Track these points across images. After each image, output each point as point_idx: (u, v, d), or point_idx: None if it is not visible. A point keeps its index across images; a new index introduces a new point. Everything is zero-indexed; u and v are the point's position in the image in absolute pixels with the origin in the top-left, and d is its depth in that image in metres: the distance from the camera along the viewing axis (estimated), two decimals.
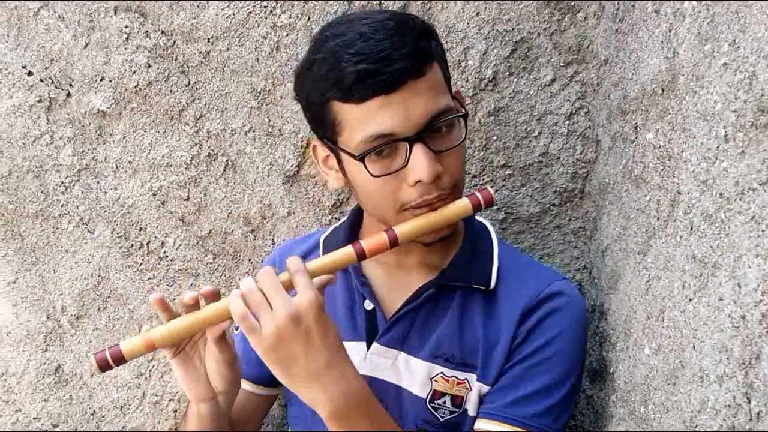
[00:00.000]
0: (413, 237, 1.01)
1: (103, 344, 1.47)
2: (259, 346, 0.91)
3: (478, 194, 1.02)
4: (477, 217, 1.19)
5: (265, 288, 0.91)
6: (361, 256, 1.00)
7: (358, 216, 1.20)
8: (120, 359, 0.96)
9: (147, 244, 1.43)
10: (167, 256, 1.44)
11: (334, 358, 0.93)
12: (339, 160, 1.06)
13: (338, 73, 0.94)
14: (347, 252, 1.00)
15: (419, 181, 0.97)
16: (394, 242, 1.00)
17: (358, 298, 1.16)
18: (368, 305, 1.14)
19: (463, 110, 1.03)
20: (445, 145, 0.99)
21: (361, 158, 0.97)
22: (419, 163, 0.96)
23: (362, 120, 0.96)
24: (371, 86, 0.93)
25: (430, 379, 1.10)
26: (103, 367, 0.95)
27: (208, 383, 1.05)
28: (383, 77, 0.92)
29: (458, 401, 1.09)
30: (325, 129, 1.03)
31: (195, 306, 0.98)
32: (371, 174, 0.98)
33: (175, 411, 1.49)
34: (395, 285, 1.15)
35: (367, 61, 0.92)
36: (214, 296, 0.99)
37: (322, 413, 0.94)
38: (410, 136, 0.96)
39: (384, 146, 0.96)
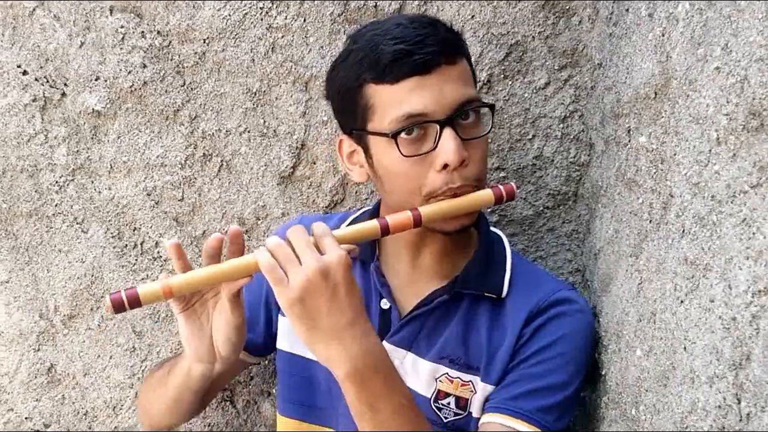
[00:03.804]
0: (436, 219, 1.02)
1: (96, 344, 1.47)
2: (285, 298, 0.90)
3: (501, 187, 1.05)
4: (492, 228, 1.20)
5: (296, 243, 0.92)
6: (385, 230, 1.01)
7: (376, 210, 1.20)
8: (136, 302, 0.94)
9: (141, 244, 1.43)
10: (161, 257, 1.44)
11: (358, 317, 0.93)
12: (366, 150, 1.07)
13: (375, 55, 1.00)
14: (372, 225, 1.01)
15: (446, 166, 1.00)
16: (417, 221, 1.01)
17: (375, 297, 1.16)
18: (385, 304, 1.15)
19: (492, 102, 1.09)
20: (473, 134, 1.03)
21: (394, 136, 1.00)
22: (447, 146, 0.99)
23: (396, 100, 1.00)
24: (406, 66, 0.98)
25: (435, 379, 1.11)
26: (118, 307, 0.94)
27: (211, 345, 1.05)
28: (418, 57, 0.98)
29: (463, 403, 1.10)
30: (356, 117, 1.05)
31: (218, 249, 0.98)
32: (402, 153, 1.00)
33: None
34: (410, 289, 1.15)
35: (404, 43, 0.98)
36: (238, 239, 0.99)
37: (339, 372, 0.93)
38: (441, 119, 0.99)
39: (415, 126, 0.99)
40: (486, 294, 1.12)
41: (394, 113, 0.99)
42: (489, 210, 1.37)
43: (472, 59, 1.29)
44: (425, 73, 0.98)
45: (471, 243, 1.17)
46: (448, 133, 0.99)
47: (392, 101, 1.00)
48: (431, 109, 0.99)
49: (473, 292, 1.12)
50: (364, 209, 1.26)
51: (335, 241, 0.93)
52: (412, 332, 1.13)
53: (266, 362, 1.44)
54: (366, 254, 1.18)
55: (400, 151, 1.00)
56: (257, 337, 1.25)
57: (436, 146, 1.00)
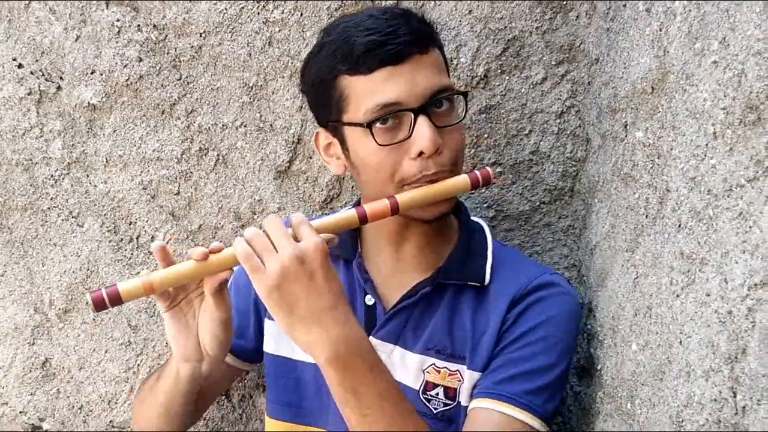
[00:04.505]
0: (413, 206, 1.03)
1: (91, 338, 1.46)
2: (263, 285, 0.91)
3: (477, 172, 1.05)
4: (473, 218, 1.21)
5: (271, 232, 0.92)
6: (363, 219, 1.02)
7: (358, 205, 1.20)
8: (117, 299, 0.95)
9: (137, 238, 1.43)
10: None
11: (337, 302, 0.93)
12: (342, 142, 1.08)
13: (348, 47, 1.01)
14: (350, 214, 1.02)
15: (421, 153, 1.00)
16: (395, 208, 1.01)
17: (359, 294, 1.16)
18: (369, 300, 1.15)
19: (465, 90, 1.08)
20: (447, 122, 1.04)
21: (369, 125, 1.01)
22: (422, 133, 1.00)
23: (369, 90, 1.00)
24: (379, 56, 0.99)
25: (423, 370, 1.11)
26: (99, 305, 0.94)
27: (198, 343, 1.05)
28: (390, 47, 0.99)
29: (451, 393, 1.10)
30: (331, 109, 1.06)
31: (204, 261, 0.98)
32: (377, 142, 1.01)
33: None
34: (394, 282, 1.16)
35: (376, 34, 0.99)
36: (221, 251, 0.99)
37: (321, 357, 0.92)
38: (415, 107, 1.00)
39: (390, 115, 1.00)
40: (470, 283, 1.12)
41: (369, 103, 1.00)
42: (486, 205, 1.37)
43: (470, 54, 1.29)
44: (398, 63, 0.99)
45: (452, 233, 1.18)
46: (422, 121, 1.00)
47: (366, 92, 1.01)
48: (405, 98, 1.00)
49: (456, 282, 1.12)
50: (348, 207, 1.27)
51: (312, 229, 0.94)
52: (398, 326, 1.13)
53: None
54: (347, 251, 1.18)
55: (375, 140, 1.01)
56: (248, 342, 1.26)
57: (410, 134, 1.01)
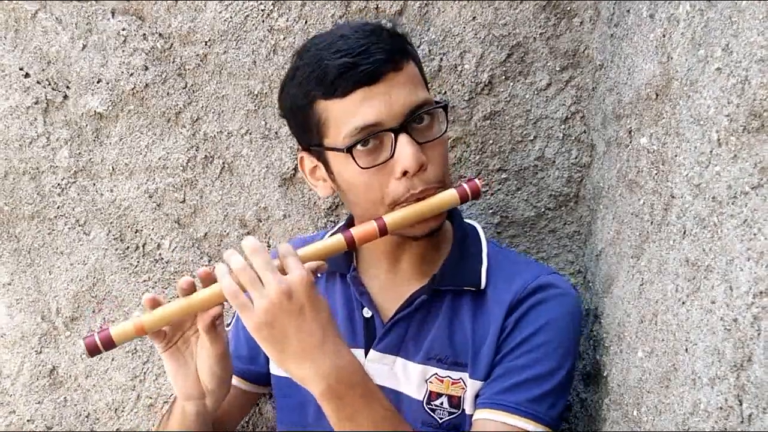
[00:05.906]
0: (402, 226, 1.02)
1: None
2: (251, 323, 0.90)
3: (465, 185, 1.03)
4: (466, 220, 1.20)
5: (257, 265, 0.91)
6: (351, 243, 1.00)
7: (350, 223, 1.20)
8: (109, 343, 0.95)
9: (143, 246, 1.44)
10: (163, 259, 1.44)
11: (327, 335, 0.92)
12: (326, 165, 1.07)
13: (321, 71, 0.99)
14: (337, 239, 1.00)
15: (406, 173, 0.99)
16: (383, 230, 1.00)
17: (356, 307, 1.16)
18: (366, 313, 1.15)
19: (444, 102, 1.07)
20: (429, 137, 1.02)
21: (349, 150, 0.99)
22: (404, 152, 0.98)
23: (346, 114, 0.99)
24: (353, 78, 0.97)
25: (426, 380, 1.10)
26: (93, 351, 0.95)
27: (198, 381, 1.05)
28: (364, 68, 0.97)
29: (455, 401, 1.09)
30: (311, 133, 1.05)
31: (190, 290, 0.97)
32: (359, 166, 0.99)
33: None
34: (391, 294, 1.15)
35: (347, 55, 0.97)
36: (209, 278, 0.98)
37: (315, 391, 0.92)
38: (394, 126, 0.99)
39: (369, 137, 0.99)
40: (466, 288, 1.11)
41: (347, 127, 0.99)
42: (491, 212, 1.37)
43: (474, 60, 1.29)
44: (373, 83, 0.98)
45: (447, 240, 1.17)
46: (403, 140, 0.99)
47: (344, 115, 0.99)
48: (383, 118, 0.98)
49: (452, 288, 1.11)
50: (340, 224, 1.26)
51: (298, 261, 0.93)
52: (398, 336, 1.12)
53: None
54: (342, 266, 1.17)
55: (357, 164, 1.00)
56: (261, 367, 1.26)
57: (393, 154, 0.99)
